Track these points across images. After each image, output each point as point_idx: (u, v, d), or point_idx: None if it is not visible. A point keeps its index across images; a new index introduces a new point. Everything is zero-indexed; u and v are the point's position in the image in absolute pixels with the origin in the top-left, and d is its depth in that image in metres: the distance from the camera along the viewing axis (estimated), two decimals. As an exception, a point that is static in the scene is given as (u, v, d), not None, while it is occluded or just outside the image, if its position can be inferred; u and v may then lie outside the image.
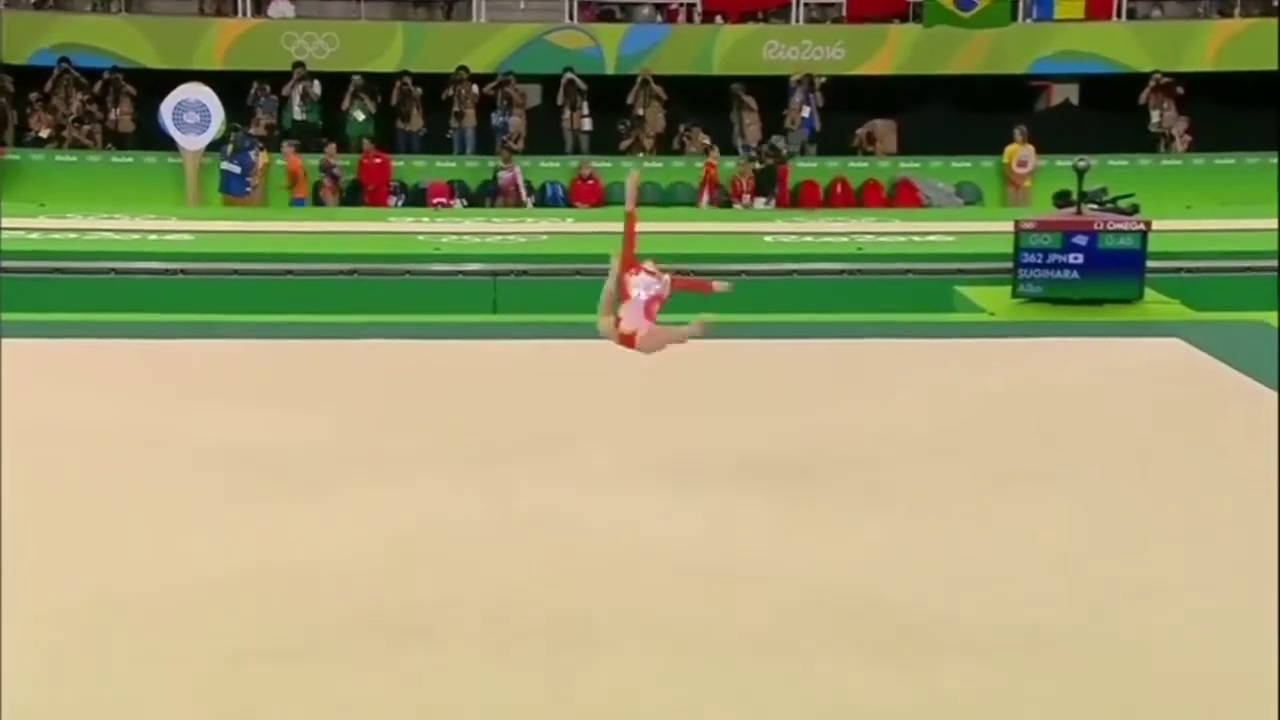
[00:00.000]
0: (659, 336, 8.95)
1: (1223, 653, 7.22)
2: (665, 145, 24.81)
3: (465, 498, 9.31)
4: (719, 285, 9.31)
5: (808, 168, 24.63)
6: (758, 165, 23.76)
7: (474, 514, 9.03)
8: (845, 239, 18.77)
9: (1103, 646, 7.28)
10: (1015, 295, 15.17)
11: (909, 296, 16.33)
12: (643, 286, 9.00)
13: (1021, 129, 24.52)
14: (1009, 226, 15.52)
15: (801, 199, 24.12)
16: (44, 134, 23.48)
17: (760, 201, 23.53)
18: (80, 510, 9.09)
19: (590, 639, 7.31)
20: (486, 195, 23.44)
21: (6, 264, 16.57)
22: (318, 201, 22.83)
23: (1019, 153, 24.45)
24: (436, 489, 9.47)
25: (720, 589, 7.95)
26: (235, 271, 16.70)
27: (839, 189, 24.39)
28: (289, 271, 16.73)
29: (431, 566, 8.22)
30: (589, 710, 6.69)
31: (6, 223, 18.29)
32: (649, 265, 9.08)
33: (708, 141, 24.84)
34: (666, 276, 9.07)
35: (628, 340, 8.96)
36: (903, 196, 24.28)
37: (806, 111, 25.27)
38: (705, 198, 23.59)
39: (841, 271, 17.10)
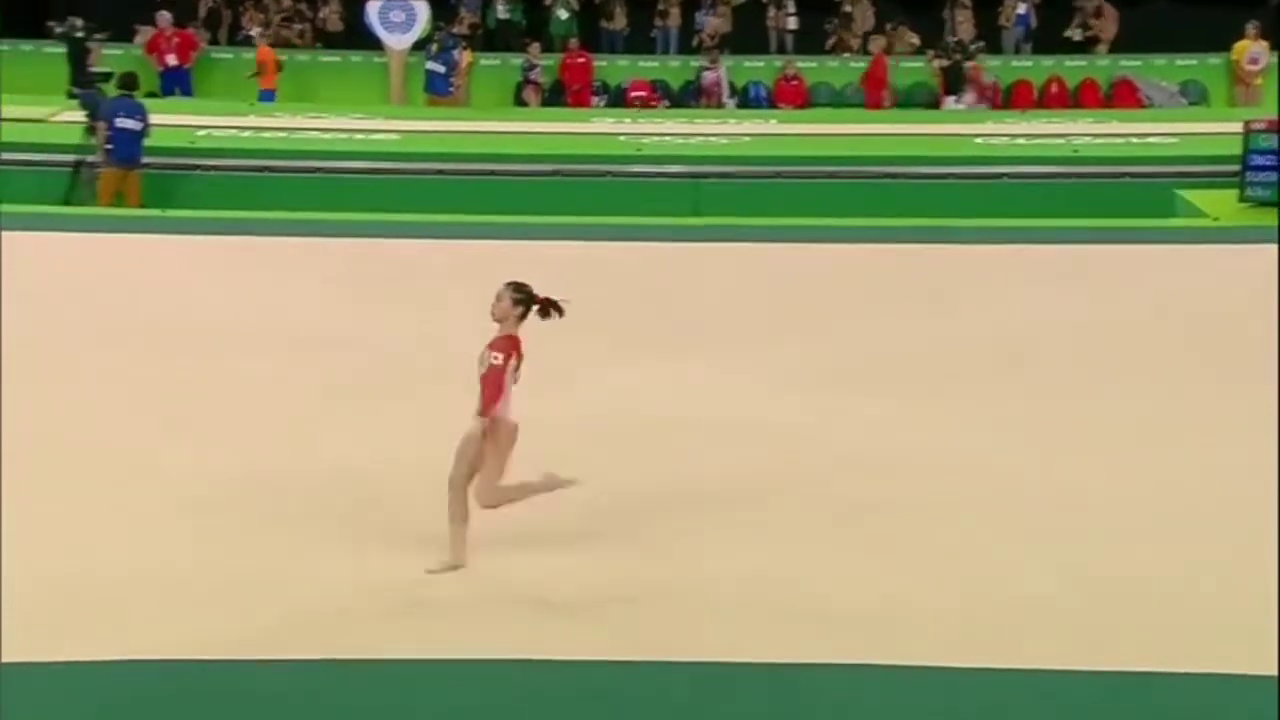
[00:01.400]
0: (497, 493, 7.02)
1: None
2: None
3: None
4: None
5: (1021, 66, 23.99)
6: (944, 63, 23.20)
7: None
8: (1060, 141, 18.28)
9: None
10: (1242, 200, 14.64)
11: (1127, 201, 15.88)
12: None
13: (1254, 23, 23.52)
14: (1237, 127, 14.93)
15: (1014, 99, 23.52)
16: (254, 32, 23.98)
17: (950, 100, 22.99)
18: (274, 404, 9.38)
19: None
20: (689, 96, 23.34)
21: (216, 162, 17.01)
22: (519, 102, 22.96)
23: (1250, 49, 23.46)
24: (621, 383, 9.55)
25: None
26: (439, 171, 16.89)
27: (1054, 88, 23.73)
28: (491, 172, 16.87)
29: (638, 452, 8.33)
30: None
31: (217, 121, 18.74)
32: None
33: (916, 40, 24.32)
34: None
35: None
36: (1122, 96, 23.52)
37: (1022, 8, 24.58)
38: (882, 96, 23.06)
39: (1056, 175, 16.68)
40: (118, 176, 16.30)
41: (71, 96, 19.06)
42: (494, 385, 6.80)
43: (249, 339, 10.55)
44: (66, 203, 16.35)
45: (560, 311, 6.99)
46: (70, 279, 12.25)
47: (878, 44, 23.70)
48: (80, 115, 17.17)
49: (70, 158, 16.66)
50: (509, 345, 6.92)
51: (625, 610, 6.74)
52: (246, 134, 18.18)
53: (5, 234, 13.54)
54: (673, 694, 6.07)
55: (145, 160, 16.40)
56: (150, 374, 9.93)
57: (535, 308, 7.00)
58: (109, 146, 16.28)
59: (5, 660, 6.12)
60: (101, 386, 9.60)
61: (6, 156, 16.71)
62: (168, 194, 16.37)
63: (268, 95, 21.98)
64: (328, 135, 18.26)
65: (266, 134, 18.20)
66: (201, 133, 17.88)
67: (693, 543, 7.44)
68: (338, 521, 7.55)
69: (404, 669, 6.19)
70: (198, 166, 16.92)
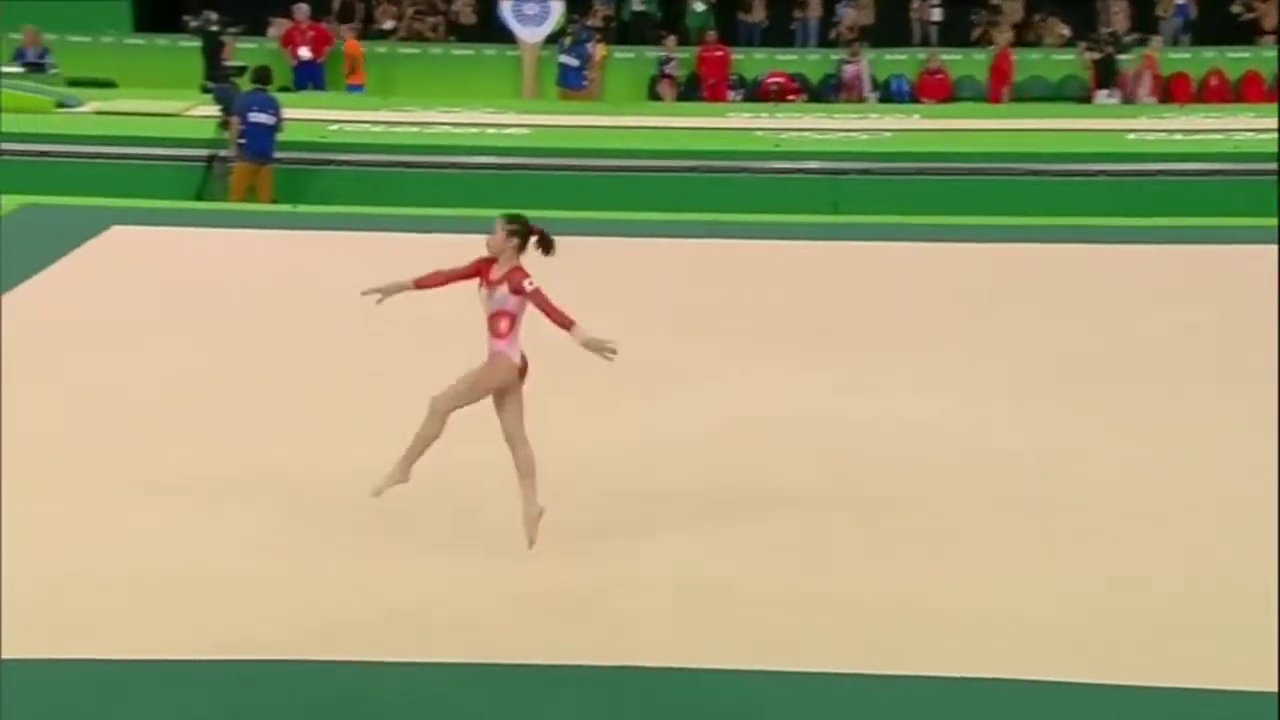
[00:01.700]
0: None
1: None
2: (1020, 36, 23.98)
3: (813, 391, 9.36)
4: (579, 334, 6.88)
5: (1180, 59, 23.45)
6: (1096, 55, 22.73)
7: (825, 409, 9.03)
8: (1220, 136, 17.83)
9: None
10: None
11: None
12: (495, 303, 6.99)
13: None
14: None
15: (1172, 92, 23.00)
16: (388, 25, 24.20)
17: (1103, 94, 22.52)
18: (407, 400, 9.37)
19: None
20: (829, 90, 23.14)
21: (348, 157, 17.14)
22: (653, 96, 22.91)
23: None
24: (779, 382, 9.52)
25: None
26: (571, 167, 16.86)
27: (1214, 81, 23.17)
28: (624, 168, 16.82)
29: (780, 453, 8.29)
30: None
31: (349, 115, 18.90)
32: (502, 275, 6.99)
33: (1067, 32, 23.88)
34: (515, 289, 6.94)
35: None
36: (1288, 90, 22.89)
37: (1182, -2, 24.06)
38: (1002, 91, 22.63)
39: (1214, 172, 16.27)
40: (250, 171, 16.49)
41: (206, 91, 19.36)
42: (548, 301, 6.84)
43: (380, 335, 10.60)
44: (199, 197, 16.60)
45: (551, 246, 6.98)
46: (202, 274, 12.42)
47: (1003, 36, 23.29)
48: (214, 110, 17.41)
49: (204, 152, 16.89)
50: (525, 272, 6.96)
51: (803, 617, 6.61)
52: (378, 129, 18.28)
53: (139, 229, 13.84)
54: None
55: (277, 155, 16.58)
56: (283, 369, 10.02)
57: (534, 239, 7.04)
58: (242, 141, 16.47)
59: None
60: (231, 383, 9.70)
61: (141, 151, 17.00)
62: (299, 189, 16.54)
63: (354, 89, 22.16)
64: (459, 130, 18.30)
65: (398, 129, 18.28)
66: (333, 127, 18.03)
67: (857, 546, 7.33)
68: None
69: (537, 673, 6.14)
70: (329, 161, 17.06)
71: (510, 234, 7.08)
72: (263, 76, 16.98)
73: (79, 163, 16.81)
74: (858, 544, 7.36)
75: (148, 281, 12.14)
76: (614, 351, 6.88)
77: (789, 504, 7.75)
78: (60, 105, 18.74)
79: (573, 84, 21.94)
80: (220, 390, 9.53)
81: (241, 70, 18.51)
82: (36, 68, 20.94)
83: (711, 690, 6.00)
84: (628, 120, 19.29)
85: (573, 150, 17.20)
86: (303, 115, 17.77)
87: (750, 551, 7.22)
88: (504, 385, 6.94)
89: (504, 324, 6.95)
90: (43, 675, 6.05)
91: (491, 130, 18.30)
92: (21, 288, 11.67)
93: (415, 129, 18.33)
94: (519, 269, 7.01)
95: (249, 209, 15.70)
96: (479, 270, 7.09)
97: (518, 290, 6.92)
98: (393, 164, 17.00)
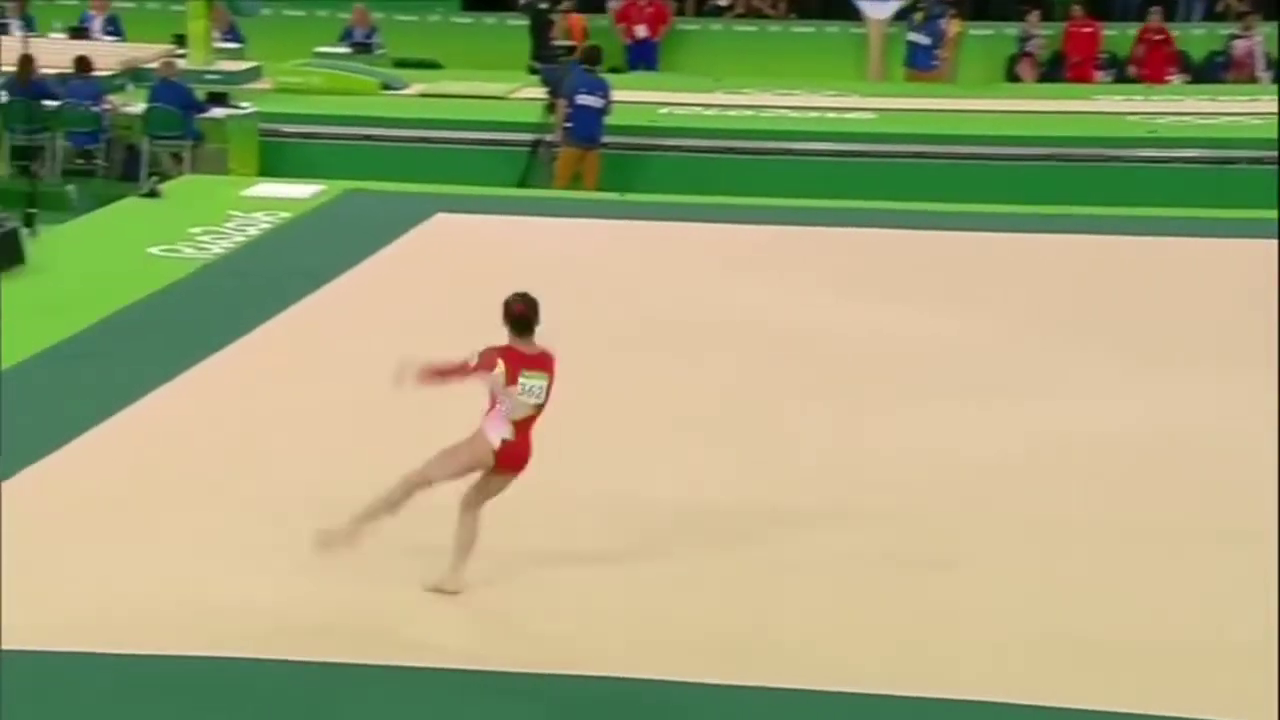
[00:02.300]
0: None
1: None
2: None
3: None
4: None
5: None
6: None
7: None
8: None
9: None
10: None
11: None
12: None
13: None
14: None
15: None
16: (724, 1, 23.95)
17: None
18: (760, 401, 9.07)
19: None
20: (1215, 69, 21.93)
21: (678, 142, 16.96)
22: (1012, 77, 22.07)
23: None
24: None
25: None
26: (918, 155, 16.45)
27: None
28: (978, 156, 16.29)
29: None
30: None
31: (682, 98, 18.75)
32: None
33: None
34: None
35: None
36: None
37: None
38: None
39: None
40: (576, 156, 16.42)
41: (533, 72, 19.40)
42: (453, 371, 6.66)
43: (719, 334, 10.34)
44: (523, 184, 16.60)
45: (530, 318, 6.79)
46: (527, 265, 12.28)
47: None
48: (540, 92, 17.41)
49: (529, 137, 16.91)
50: (496, 352, 6.74)
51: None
52: (711, 112, 18.14)
53: (463, 217, 13.86)
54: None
55: (605, 139, 16.47)
56: (615, 367, 9.83)
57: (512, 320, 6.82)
58: (568, 124, 16.42)
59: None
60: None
61: (465, 135, 17.12)
62: (627, 175, 16.42)
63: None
64: (797, 114, 18.04)
65: (732, 112, 18.11)
66: (664, 110, 17.93)
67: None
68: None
69: None
70: (659, 147, 16.93)
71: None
72: (592, 56, 16.90)
73: (402, 147, 17.04)
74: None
75: (473, 272, 12.09)
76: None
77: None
78: (385, 87, 19.04)
79: (923, 64, 21.26)
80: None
81: (571, 50, 18.47)
82: (363, 48, 21.33)
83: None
84: (983, 104, 18.66)
85: (921, 137, 16.76)
86: (633, 97, 17.68)
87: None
88: (478, 467, 6.69)
89: (488, 402, 6.75)
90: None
91: (832, 115, 18.00)
92: (346, 276, 11.74)
93: (750, 113, 18.14)
94: (499, 348, 6.79)
95: (574, 197, 15.64)
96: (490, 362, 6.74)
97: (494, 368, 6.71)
98: (726, 150, 16.79)
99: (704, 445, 8.63)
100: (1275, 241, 12.07)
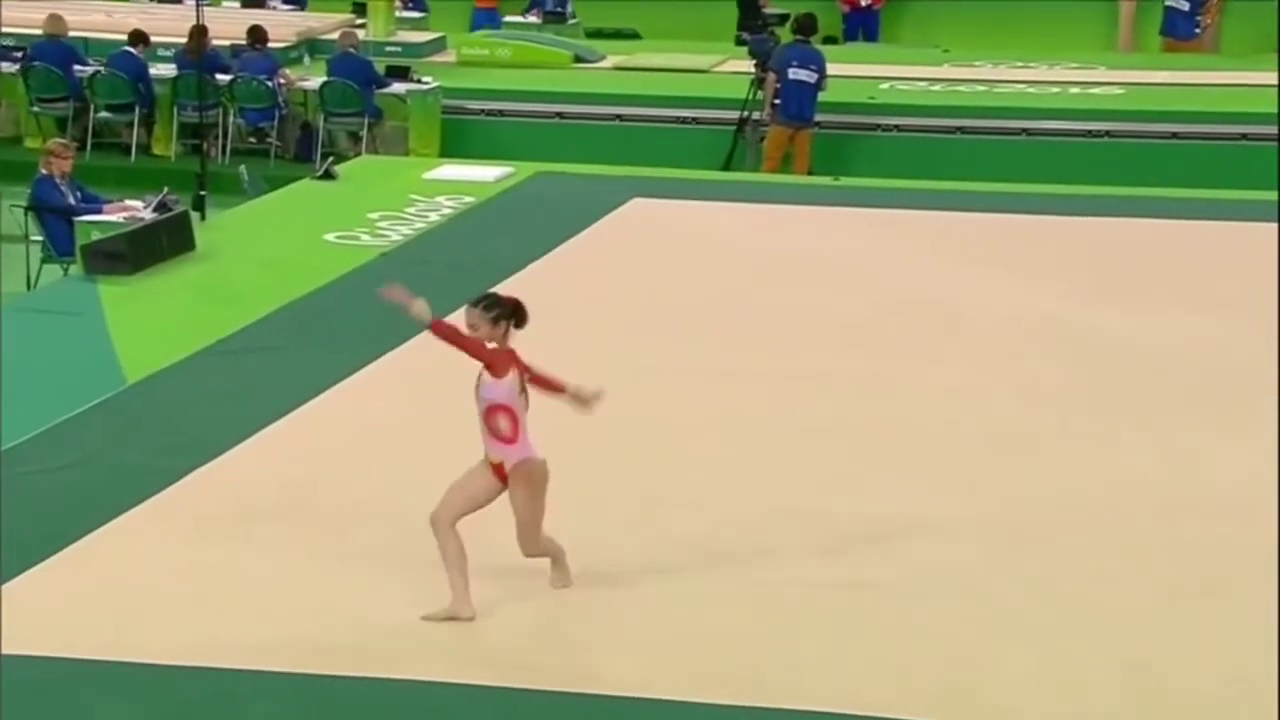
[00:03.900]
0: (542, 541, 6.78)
1: None
2: None
3: None
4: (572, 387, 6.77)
5: None
6: None
7: None
8: None
9: None
10: None
11: None
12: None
13: None
14: None
15: None
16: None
17: None
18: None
19: None
20: None
21: (900, 121, 16.87)
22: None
23: None
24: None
25: None
26: (1174, 135, 16.22)
27: None
28: (1244, 136, 16.06)
29: None
30: None
31: (905, 71, 18.64)
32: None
33: None
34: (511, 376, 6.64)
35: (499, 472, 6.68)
36: None
37: None
38: None
39: None
40: (786, 135, 16.39)
41: (740, 43, 19.41)
42: (463, 340, 6.53)
43: (947, 334, 10.28)
44: (727, 166, 16.61)
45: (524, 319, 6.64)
46: (728, 254, 12.32)
47: None
48: (748, 64, 17.42)
49: (734, 114, 16.92)
50: (506, 357, 6.59)
51: None
52: (938, 87, 18.01)
53: (661, 202, 13.91)
54: None
55: (818, 118, 16.42)
56: (832, 368, 9.84)
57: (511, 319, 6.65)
58: (777, 101, 16.39)
59: None
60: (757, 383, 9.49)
61: (664, 113, 17.20)
62: (843, 157, 16.36)
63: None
64: (1035, 90, 17.86)
65: (962, 88, 17.98)
66: (885, 85, 17.83)
67: None
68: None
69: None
70: (878, 126, 16.87)
71: (495, 321, 6.64)
72: (806, 27, 16.84)
73: (596, 126, 17.16)
74: None
75: (672, 262, 12.15)
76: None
77: None
78: (577, 60, 19.19)
79: (1182, 32, 20.90)
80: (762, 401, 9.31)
81: (783, 19, 18.45)
82: (555, 17, 21.54)
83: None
84: (1249, 77, 18.18)
85: (1179, 115, 16.53)
86: (850, 71, 17.63)
87: None
88: (542, 485, 6.62)
89: (504, 425, 6.56)
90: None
91: (1075, 90, 17.82)
92: (535, 266, 11.89)
93: (983, 88, 18.02)
94: (505, 354, 6.61)
95: (784, 181, 15.61)
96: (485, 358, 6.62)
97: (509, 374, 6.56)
98: (954, 130, 16.71)
99: (945, 458, 8.57)
100: None
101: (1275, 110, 16.20)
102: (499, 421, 6.56)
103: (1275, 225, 12.18)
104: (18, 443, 8.37)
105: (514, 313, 6.67)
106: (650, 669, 6.31)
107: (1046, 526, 7.72)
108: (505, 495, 6.66)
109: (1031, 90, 17.85)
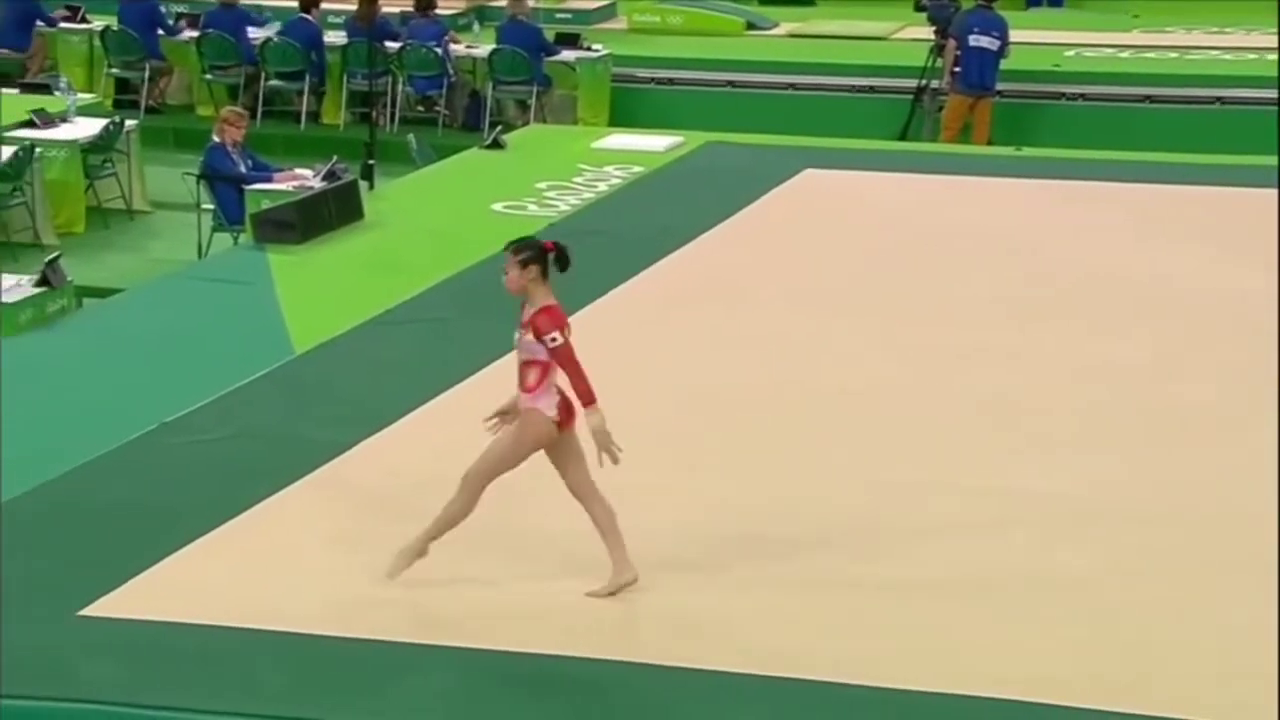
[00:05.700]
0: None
1: None
2: None
3: None
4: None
5: None
6: None
7: None
8: None
9: None
10: None
11: None
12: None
13: None
14: None
15: None
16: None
17: None
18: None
19: None
20: None
21: (1086, 89, 16.71)
22: None
23: None
24: None
25: None
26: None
27: None
28: None
29: None
30: None
31: (1093, 38, 18.44)
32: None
33: None
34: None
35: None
36: None
37: None
38: None
39: None
40: (966, 105, 16.27)
41: (919, 9, 19.25)
42: (573, 364, 6.59)
43: (1136, 309, 10.15)
44: (904, 136, 16.51)
45: (568, 262, 6.72)
46: (905, 227, 12.22)
47: None
48: (928, 31, 17.28)
49: (912, 83, 16.80)
50: (553, 319, 6.64)
51: None
52: (1126, 54, 17.79)
53: (835, 173, 13.83)
54: None
55: (1000, 86, 16.27)
56: (1018, 341, 9.75)
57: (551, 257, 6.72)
58: (957, 69, 16.27)
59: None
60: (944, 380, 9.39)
61: (839, 81, 17.12)
62: (1025, 127, 16.20)
63: None
64: (1229, 57, 17.59)
65: (1151, 54, 17.78)
66: (1070, 52, 17.63)
67: None
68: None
69: None
70: (1063, 95, 16.73)
71: (524, 264, 6.76)
72: (990, -11, 16.70)
73: (769, 94, 17.12)
74: None
75: (846, 234, 12.08)
76: (615, 456, 6.55)
77: None
78: (750, 27, 19.14)
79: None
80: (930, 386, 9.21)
81: (963, -17, 18.29)
82: (731, -20, 21.49)
83: None
84: None
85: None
86: (1034, 38, 17.54)
87: None
88: (544, 444, 6.70)
89: (532, 376, 6.67)
90: None
91: (1272, 57, 17.36)
92: (705, 236, 11.86)
93: (1174, 55, 17.80)
94: (545, 311, 6.71)
95: (963, 151, 15.48)
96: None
97: (541, 336, 6.64)
98: (1143, 99, 16.53)
99: (1137, 438, 8.42)
100: None
101: None
102: (529, 373, 6.67)
103: None
104: (187, 411, 8.50)
105: (544, 255, 6.74)
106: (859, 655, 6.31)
107: (1239, 514, 7.55)
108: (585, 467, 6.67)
109: (1226, 57, 17.65)
